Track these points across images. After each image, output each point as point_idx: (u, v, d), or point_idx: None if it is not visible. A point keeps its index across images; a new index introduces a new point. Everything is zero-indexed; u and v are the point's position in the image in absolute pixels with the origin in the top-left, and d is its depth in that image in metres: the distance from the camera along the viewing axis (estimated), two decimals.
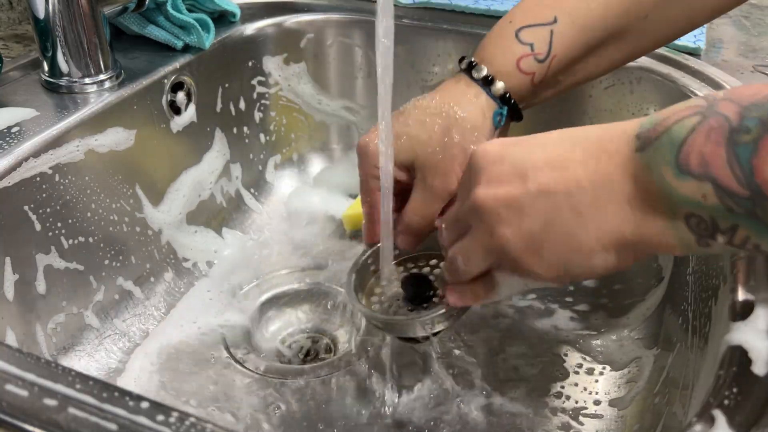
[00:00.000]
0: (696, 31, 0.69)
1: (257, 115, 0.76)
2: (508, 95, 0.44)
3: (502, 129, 0.46)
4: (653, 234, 0.31)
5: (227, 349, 0.58)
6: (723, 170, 0.27)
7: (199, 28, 0.64)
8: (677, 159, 0.29)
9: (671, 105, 0.31)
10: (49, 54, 0.56)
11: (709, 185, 0.28)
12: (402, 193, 0.47)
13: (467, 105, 0.44)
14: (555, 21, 0.43)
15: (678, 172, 0.29)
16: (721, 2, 0.45)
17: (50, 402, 0.30)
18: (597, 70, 0.46)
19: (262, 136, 0.77)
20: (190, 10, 0.66)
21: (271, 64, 0.75)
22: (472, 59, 0.45)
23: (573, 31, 0.43)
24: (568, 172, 0.32)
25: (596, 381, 0.55)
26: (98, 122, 0.56)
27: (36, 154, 0.51)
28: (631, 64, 0.65)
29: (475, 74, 0.44)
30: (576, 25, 0.43)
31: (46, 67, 0.57)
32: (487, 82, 0.44)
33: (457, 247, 0.38)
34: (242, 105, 0.73)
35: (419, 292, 0.45)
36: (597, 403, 0.53)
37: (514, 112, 0.45)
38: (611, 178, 0.31)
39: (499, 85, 0.44)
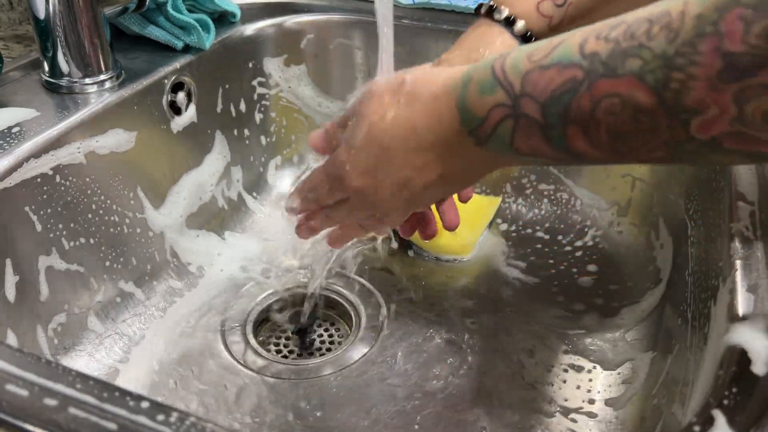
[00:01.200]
0: None
1: (257, 116, 0.76)
2: (529, 34, 0.46)
3: None
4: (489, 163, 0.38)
5: (227, 349, 0.59)
6: (549, 153, 0.33)
7: (200, 29, 0.64)
8: (512, 150, 0.34)
9: None
10: (50, 54, 0.56)
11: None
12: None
13: (492, 44, 0.47)
14: None
15: (514, 153, 0.35)
16: None
17: (50, 402, 0.30)
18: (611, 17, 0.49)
19: (262, 138, 0.77)
20: (190, 11, 0.66)
21: (272, 65, 0.75)
22: (492, 3, 0.47)
23: None
24: (428, 168, 0.38)
25: (590, 380, 0.55)
26: (99, 123, 0.56)
27: (37, 154, 0.51)
28: None
29: (496, 16, 0.46)
30: None
31: (46, 68, 0.57)
32: (509, 23, 0.46)
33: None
34: (242, 106, 0.73)
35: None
36: (591, 402, 0.53)
37: None
38: (470, 162, 0.37)
39: (521, 24, 0.46)
